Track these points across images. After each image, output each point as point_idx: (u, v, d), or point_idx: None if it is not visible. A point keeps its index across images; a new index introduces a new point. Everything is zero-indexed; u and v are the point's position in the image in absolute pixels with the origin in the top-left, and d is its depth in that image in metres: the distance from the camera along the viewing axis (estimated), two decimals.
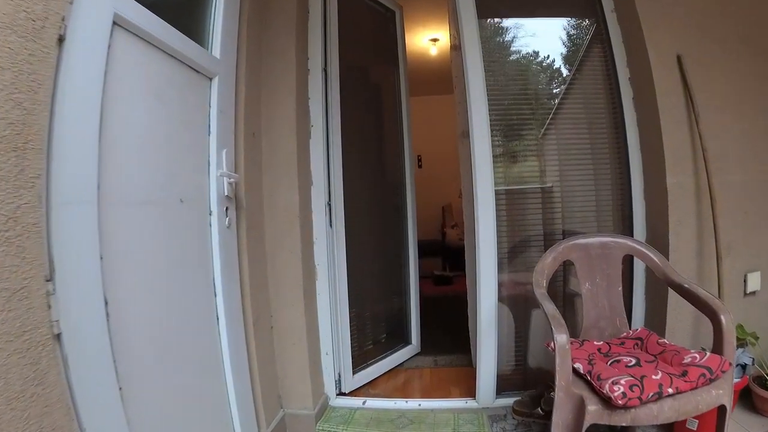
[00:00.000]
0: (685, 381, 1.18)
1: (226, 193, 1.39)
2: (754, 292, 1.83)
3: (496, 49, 2.10)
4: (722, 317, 1.28)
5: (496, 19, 2.10)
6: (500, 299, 1.91)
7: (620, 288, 1.58)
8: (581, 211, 2.00)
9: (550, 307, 1.28)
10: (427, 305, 2.77)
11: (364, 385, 2.15)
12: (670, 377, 1.17)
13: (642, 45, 1.82)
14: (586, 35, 2.11)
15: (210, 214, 1.35)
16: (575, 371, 1.21)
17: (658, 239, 1.80)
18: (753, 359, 1.66)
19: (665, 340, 1.43)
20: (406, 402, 1.97)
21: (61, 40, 0.86)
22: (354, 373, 2.11)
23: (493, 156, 1.89)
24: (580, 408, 1.12)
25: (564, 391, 1.11)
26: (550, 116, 2.10)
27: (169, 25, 1.18)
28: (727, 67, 1.85)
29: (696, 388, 1.18)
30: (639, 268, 1.89)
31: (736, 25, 1.87)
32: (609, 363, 1.29)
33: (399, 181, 2.60)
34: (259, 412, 1.58)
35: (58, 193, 0.84)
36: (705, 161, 1.73)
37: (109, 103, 0.99)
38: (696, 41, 1.83)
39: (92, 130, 0.94)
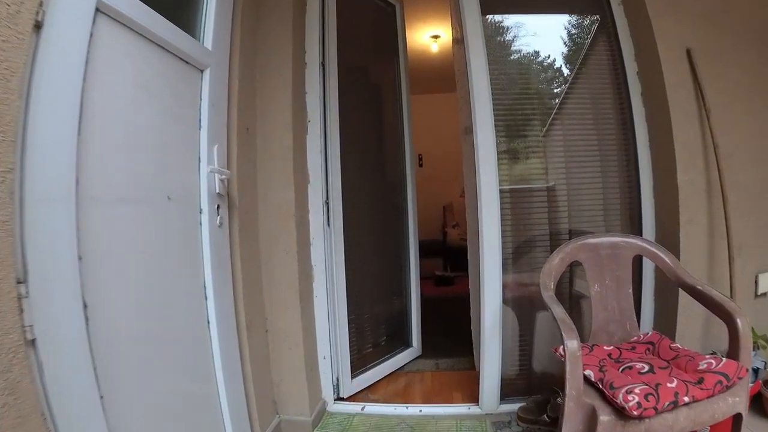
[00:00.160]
0: (702, 389, 1.12)
1: (217, 191, 1.33)
2: (765, 294, 1.79)
3: (499, 42, 2.04)
4: (738, 321, 1.22)
5: (499, 14, 2.03)
6: (504, 301, 1.84)
7: (630, 290, 1.52)
8: (588, 209, 1.93)
9: (558, 310, 1.21)
10: (428, 306, 2.71)
11: (363, 390, 2.09)
12: (686, 385, 1.11)
13: (651, 38, 1.76)
14: (592, 29, 2.05)
15: (200, 213, 1.29)
16: (585, 379, 1.15)
17: (668, 239, 1.74)
18: (765, 363, 1.61)
19: (678, 345, 1.37)
20: (407, 408, 1.90)
21: (38, 26, 0.82)
22: (353, 377, 2.04)
23: (497, 152, 1.83)
24: (592, 418, 1.06)
25: (574, 401, 1.05)
26: (555, 113, 2.03)
27: (157, 13, 1.13)
28: (738, 61, 1.79)
29: (712, 396, 1.12)
30: (648, 268, 1.83)
31: (749, 18, 1.81)
32: (621, 369, 1.22)
33: (399, 180, 2.54)
34: (253, 419, 1.52)
35: (33, 189, 0.79)
36: (716, 157, 1.68)
37: (91, 94, 0.94)
38: (706, 34, 1.78)
39: (71, 123, 0.89)
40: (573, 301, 1.91)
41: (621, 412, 1.04)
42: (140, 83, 1.10)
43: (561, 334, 1.13)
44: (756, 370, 1.56)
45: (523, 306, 1.94)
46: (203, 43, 1.38)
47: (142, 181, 1.08)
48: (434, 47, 4.06)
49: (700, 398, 1.11)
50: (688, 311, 1.67)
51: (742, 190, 1.72)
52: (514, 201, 1.91)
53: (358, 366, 2.10)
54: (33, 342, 0.77)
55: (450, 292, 4.20)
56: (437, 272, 4.72)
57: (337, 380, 1.99)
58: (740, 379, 1.16)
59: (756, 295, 1.77)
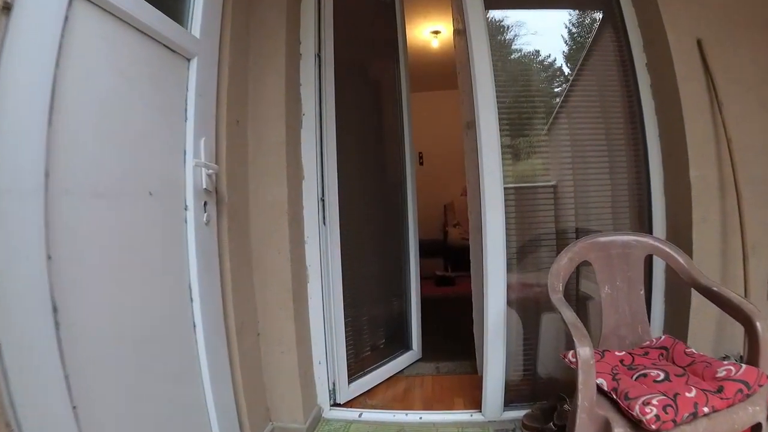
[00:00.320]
0: (721, 398, 1.04)
1: (204, 186, 1.25)
2: None
3: (502, 32, 1.96)
4: (758, 324, 1.15)
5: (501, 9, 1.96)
6: (508, 302, 1.76)
7: (642, 291, 1.44)
8: (596, 207, 1.85)
9: (569, 315, 1.13)
10: (429, 307, 2.64)
11: (361, 395, 2.01)
12: (706, 395, 1.03)
13: (660, 28, 1.70)
14: (598, 19, 1.97)
15: (185, 210, 1.21)
16: (598, 388, 1.07)
17: (680, 237, 1.66)
18: None
19: (692, 350, 1.29)
20: (406, 415, 1.82)
21: (6, 7, 0.77)
22: (350, 382, 1.96)
23: (501, 147, 1.75)
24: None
25: (587, 413, 0.97)
26: (561, 107, 1.95)
27: None
28: (750, 52, 1.72)
29: (732, 405, 1.05)
30: (658, 269, 1.76)
31: (762, 7, 1.73)
32: (635, 377, 1.14)
33: (399, 178, 2.47)
34: (245, 427, 1.45)
35: None
36: (730, 152, 1.61)
37: (64, 81, 0.88)
38: (717, 24, 1.71)
39: (41, 110, 0.83)
40: (579, 303, 1.84)
41: (637, 425, 0.96)
42: (120, 71, 1.04)
43: (572, 340, 1.05)
44: None
45: (527, 307, 1.86)
46: (191, 31, 1.31)
47: (119, 175, 1.01)
48: (435, 43, 3.99)
49: (719, 408, 1.03)
50: (701, 313, 1.60)
51: (756, 186, 1.63)
52: (518, 198, 1.83)
53: (355, 370, 2.03)
54: None
55: (451, 293, 4.14)
56: (438, 272, 4.66)
57: (334, 385, 1.91)
58: (761, 386, 1.08)
59: None
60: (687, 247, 1.60)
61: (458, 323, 2.63)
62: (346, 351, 1.95)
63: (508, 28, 1.98)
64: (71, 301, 0.87)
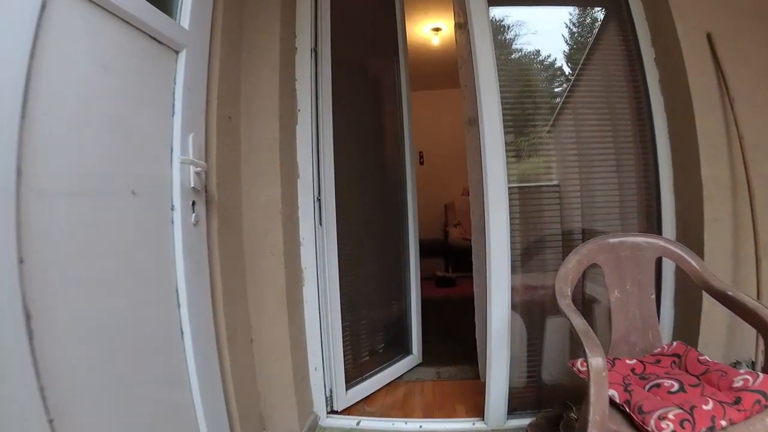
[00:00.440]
0: (739, 410, 0.99)
1: (192, 185, 1.19)
2: None
3: (503, 32, 1.90)
4: None
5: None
6: (512, 305, 1.70)
7: (653, 295, 1.37)
8: (603, 207, 1.79)
9: (579, 321, 1.07)
10: (429, 309, 2.58)
11: (359, 402, 1.94)
12: (723, 407, 0.97)
13: (669, 21, 1.64)
14: (604, 12, 1.91)
15: (172, 210, 1.14)
16: (610, 400, 1.00)
17: (691, 239, 1.60)
18: None
19: (706, 357, 1.23)
20: (406, 423, 1.75)
21: None
22: (347, 388, 1.90)
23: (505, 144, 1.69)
24: None
25: (598, 428, 0.91)
26: (567, 103, 1.89)
27: None
28: (761, 47, 1.66)
29: (749, 417, 0.99)
30: (668, 271, 1.70)
31: None
32: (647, 388, 1.08)
33: (399, 177, 2.40)
34: None
35: None
36: (742, 150, 1.55)
37: (39, 73, 0.82)
38: (727, 17, 1.65)
39: (13, 103, 0.77)
40: (585, 306, 1.77)
41: None
42: (102, 62, 0.97)
43: (579, 345, 0.99)
44: None
45: (532, 311, 1.80)
46: (179, 22, 1.25)
47: (99, 172, 0.94)
48: (435, 40, 3.93)
49: (737, 421, 0.98)
50: (712, 317, 1.55)
51: (767, 187, 1.58)
52: (522, 198, 1.77)
53: (353, 376, 1.96)
54: None
55: (452, 294, 4.09)
56: (438, 273, 4.60)
57: (330, 392, 1.84)
58: None
59: None
60: (698, 249, 1.54)
61: (459, 325, 2.57)
62: (344, 356, 1.88)
63: (508, 27, 1.92)
64: (47, 308, 0.81)
